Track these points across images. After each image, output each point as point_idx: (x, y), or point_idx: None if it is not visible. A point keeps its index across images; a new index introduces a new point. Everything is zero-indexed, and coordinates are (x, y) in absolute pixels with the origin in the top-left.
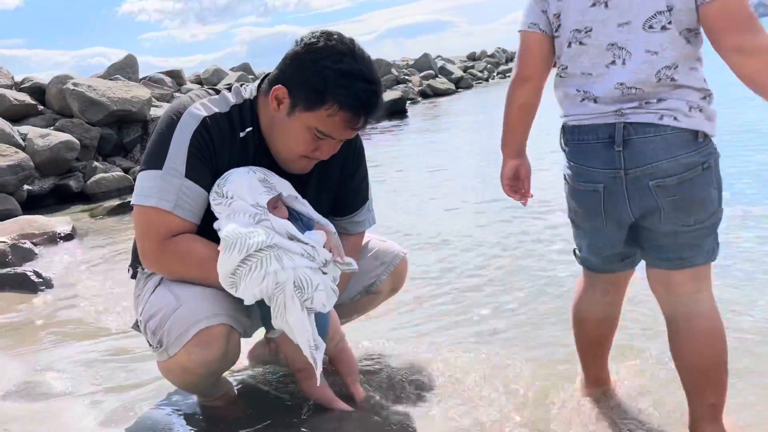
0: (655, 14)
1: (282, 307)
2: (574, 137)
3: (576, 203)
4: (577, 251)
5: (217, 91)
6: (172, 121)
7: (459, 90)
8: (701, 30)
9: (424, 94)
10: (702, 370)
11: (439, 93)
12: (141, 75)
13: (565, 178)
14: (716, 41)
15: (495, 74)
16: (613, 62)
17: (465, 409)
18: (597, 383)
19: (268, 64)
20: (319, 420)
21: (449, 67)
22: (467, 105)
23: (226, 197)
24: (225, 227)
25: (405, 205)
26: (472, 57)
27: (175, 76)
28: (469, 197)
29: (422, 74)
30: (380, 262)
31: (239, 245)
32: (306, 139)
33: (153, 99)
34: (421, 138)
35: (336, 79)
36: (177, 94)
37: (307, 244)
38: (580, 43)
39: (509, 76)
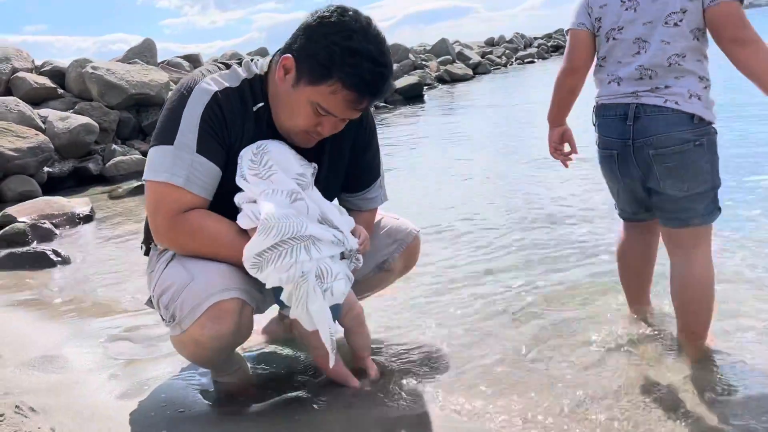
0: (671, 14)
1: (304, 296)
2: (600, 113)
3: (602, 167)
4: (616, 206)
5: (228, 66)
6: (183, 96)
7: (477, 75)
8: (707, 31)
9: (442, 80)
10: (690, 308)
11: (456, 78)
12: (160, 60)
13: (598, 152)
14: (717, 36)
15: (513, 60)
16: (638, 52)
17: (481, 388)
18: (635, 311)
19: None
20: (332, 396)
21: (467, 52)
22: (485, 90)
23: (265, 167)
24: (264, 207)
25: (418, 184)
26: (491, 42)
27: (193, 60)
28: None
29: (440, 59)
30: (393, 239)
31: (276, 230)
32: (307, 113)
33: (171, 83)
34: (438, 120)
35: (343, 56)
36: None
37: (337, 229)
38: (614, 38)
39: (528, 62)
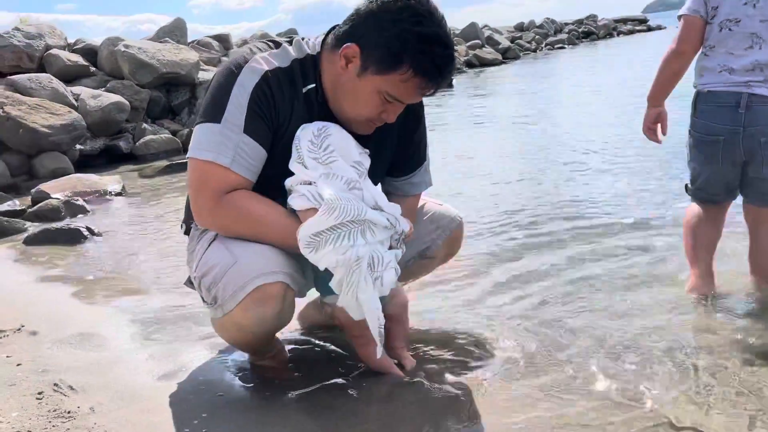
0: None
1: (355, 284)
2: (707, 100)
3: (698, 151)
4: (689, 187)
5: (278, 45)
6: (232, 74)
7: (506, 61)
8: None
9: (470, 64)
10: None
11: (485, 63)
12: (190, 40)
13: (690, 133)
14: None
15: (543, 45)
16: (751, 47)
17: (522, 381)
18: (704, 281)
19: (312, 31)
20: (370, 384)
21: (496, 37)
22: (514, 75)
23: (326, 151)
24: (324, 190)
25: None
26: (520, 27)
27: (223, 40)
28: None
29: (468, 44)
30: (436, 226)
31: (339, 211)
32: (374, 103)
33: (201, 62)
34: (467, 103)
35: (415, 43)
36: (224, 59)
37: (392, 215)
38: (730, 29)
39: (558, 47)
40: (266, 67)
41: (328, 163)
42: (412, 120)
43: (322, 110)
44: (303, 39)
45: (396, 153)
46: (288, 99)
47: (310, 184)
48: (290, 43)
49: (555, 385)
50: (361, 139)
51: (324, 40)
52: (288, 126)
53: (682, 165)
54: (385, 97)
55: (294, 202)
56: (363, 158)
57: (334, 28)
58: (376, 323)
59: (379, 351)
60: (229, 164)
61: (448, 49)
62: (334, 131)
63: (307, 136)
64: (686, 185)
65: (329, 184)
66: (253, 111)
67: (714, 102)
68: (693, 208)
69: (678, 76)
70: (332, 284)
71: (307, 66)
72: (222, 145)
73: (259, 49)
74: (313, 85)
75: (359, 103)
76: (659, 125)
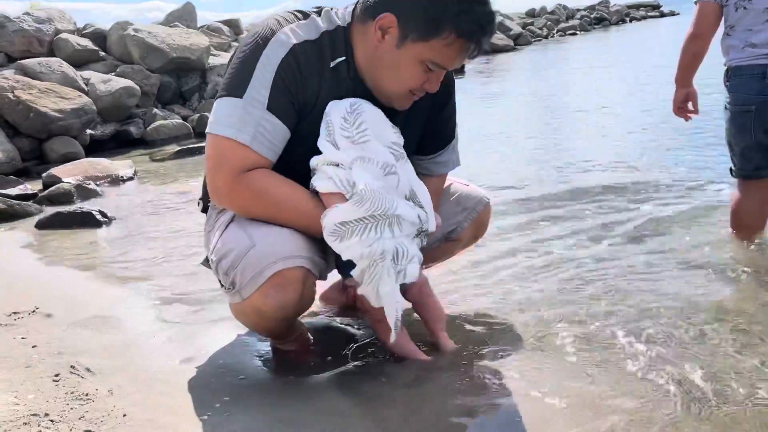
0: None
1: (377, 277)
2: (735, 74)
3: (732, 125)
4: (733, 168)
5: (306, 15)
6: (258, 46)
7: (517, 47)
8: None
9: None
10: None
11: (496, 49)
12: (199, 26)
13: (725, 108)
14: None
15: (555, 31)
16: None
17: (551, 363)
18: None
19: None
20: (395, 367)
21: (507, 23)
22: (526, 61)
23: (359, 129)
24: (360, 177)
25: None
26: (532, 14)
27: (233, 25)
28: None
29: None
30: (462, 207)
31: (370, 204)
32: (417, 73)
33: (211, 48)
34: (478, 90)
35: (454, 4)
36: (234, 44)
37: (423, 209)
38: (744, 8)
39: (570, 34)
40: (294, 40)
41: (361, 142)
42: (442, 94)
43: (353, 85)
44: (332, 9)
45: (424, 130)
46: (315, 75)
47: (337, 165)
48: (318, 14)
49: (586, 366)
50: (390, 116)
51: (354, 10)
52: (316, 104)
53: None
54: (428, 65)
55: (319, 183)
56: (398, 137)
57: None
58: (393, 315)
59: (393, 335)
60: (249, 142)
61: (487, 6)
62: (368, 108)
63: (339, 112)
64: (730, 168)
65: (365, 169)
66: (279, 87)
67: (741, 75)
68: (736, 191)
69: (698, 57)
70: (354, 273)
71: (338, 38)
72: (243, 121)
73: (287, 21)
74: (343, 57)
75: (401, 75)
76: (689, 103)
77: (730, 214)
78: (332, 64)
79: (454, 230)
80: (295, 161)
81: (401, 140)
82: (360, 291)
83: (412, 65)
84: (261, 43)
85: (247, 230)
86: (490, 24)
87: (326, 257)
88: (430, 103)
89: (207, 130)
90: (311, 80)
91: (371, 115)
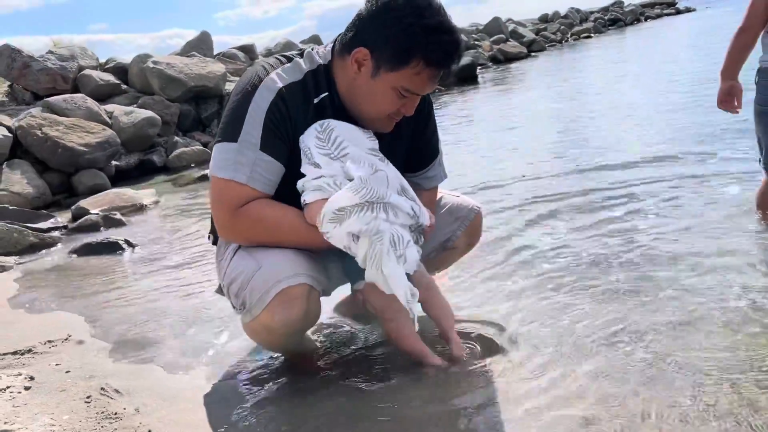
0: None
1: (378, 257)
2: (763, 75)
3: (759, 121)
4: (761, 162)
5: (290, 59)
6: (248, 93)
7: (531, 54)
8: None
9: (495, 59)
10: None
11: (510, 57)
12: (216, 52)
13: (755, 107)
14: None
15: (569, 36)
16: None
17: (579, 366)
18: None
19: None
20: (407, 370)
21: (521, 30)
22: (541, 69)
23: (334, 143)
24: (355, 172)
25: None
26: (545, 19)
27: (248, 50)
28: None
29: (493, 39)
30: (455, 217)
31: (365, 191)
32: (392, 99)
33: (227, 74)
34: (493, 98)
35: (421, 35)
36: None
37: (415, 202)
38: None
39: (584, 37)
40: (280, 84)
41: (341, 156)
42: (422, 116)
43: (336, 116)
44: (313, 50)
45: (410, 150)
46: (302, 112)
47: (319, 178)
48: (301, 55)
49: (599, 371)
50: (377, 140)
51: (333, 47)
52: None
53: None
54: (400, 91)
55: (307, 195)
56: (373, 143)
57: (339, 36)
58: (403, 294)
59: (414, 319)
60: (246, 181)
61: (454, 35)
62: (336, 123)
63: (311, 135)
64: (759, 159)
65: (357, 169)
66: (269, 128)
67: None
68: (763, 184)
69: (745, 50)
70: (358, 260)
71: (320, 76)
72: (239, 163)
73: (272, 66)
74: (326, 93)
75: (377, 102)
76: (735, 98)
77: (758, 207)
78: (316, 101)
79: (449, 239)
80: (290, 192)
81: (377, 144)
82: (367, 278)
83: (387, 93)
84: (250, 90)
85: (253, 255)
86: (456, 51)
87: (329, 274)
88: (412, 126)
89: (209, 173)
90: (299, 119)
91: (343, 127)
